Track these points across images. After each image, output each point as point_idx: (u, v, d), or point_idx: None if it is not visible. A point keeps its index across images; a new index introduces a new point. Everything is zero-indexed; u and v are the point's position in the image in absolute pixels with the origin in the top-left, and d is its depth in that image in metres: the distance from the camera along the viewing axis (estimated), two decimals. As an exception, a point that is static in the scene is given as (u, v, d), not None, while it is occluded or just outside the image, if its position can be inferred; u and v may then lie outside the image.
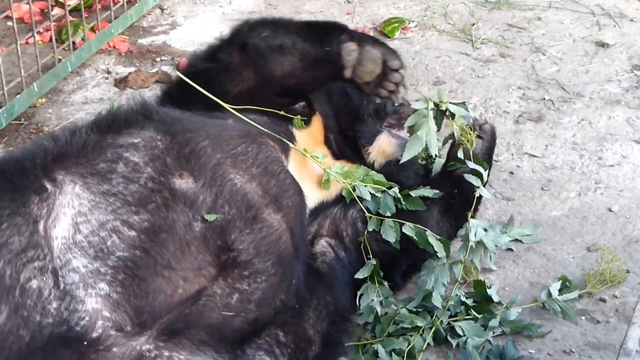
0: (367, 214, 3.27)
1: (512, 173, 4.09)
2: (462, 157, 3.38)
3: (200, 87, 3.24)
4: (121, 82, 4.83)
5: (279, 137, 3.22)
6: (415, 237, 3.22)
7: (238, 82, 3.35)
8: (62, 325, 2.54)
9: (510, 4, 5.59)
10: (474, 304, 3.29)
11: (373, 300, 3.23)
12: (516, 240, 3.65)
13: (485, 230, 3.34)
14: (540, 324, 3.25)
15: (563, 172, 4.09)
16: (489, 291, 3.34)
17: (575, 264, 3.56)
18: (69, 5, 5.00)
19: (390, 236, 3.22)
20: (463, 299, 3.28)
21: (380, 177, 3.33)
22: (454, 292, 3.28)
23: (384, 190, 3.29)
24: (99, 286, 2.60)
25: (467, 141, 3.37)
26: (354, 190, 3.28)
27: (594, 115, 4.49)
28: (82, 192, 2.69)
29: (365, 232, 3.29)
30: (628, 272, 3.48)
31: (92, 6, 5.34)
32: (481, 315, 3.24)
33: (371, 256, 3.27)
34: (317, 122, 3.52)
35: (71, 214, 2.65)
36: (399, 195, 3.28)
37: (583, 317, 3.31)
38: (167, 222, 2.73)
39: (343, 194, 3.33)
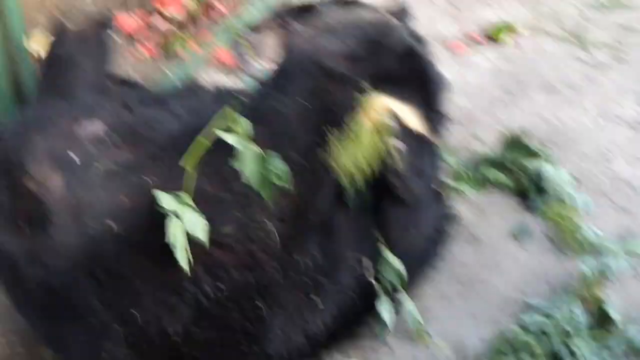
0: None
1: (628, 183, 3.93)
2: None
3: None
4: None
5: None
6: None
7: None
8: None
9: (622, 5, 5.39)
10: (593, 322, 3.18)
11: None
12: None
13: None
14: (665, 345, 3.12)
15: (684, 182, 3.92)
16: (608, 309, 3.21)
17: (700, 279, 3.41)
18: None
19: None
20: (580, 318, 3.16)
21: None
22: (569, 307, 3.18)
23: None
24: None
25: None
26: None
27: None
28: None
29: None
30: None
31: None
32: (600, 335, 3.13)
33: None
34: None
35: None
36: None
37: None
38: None
39: None
